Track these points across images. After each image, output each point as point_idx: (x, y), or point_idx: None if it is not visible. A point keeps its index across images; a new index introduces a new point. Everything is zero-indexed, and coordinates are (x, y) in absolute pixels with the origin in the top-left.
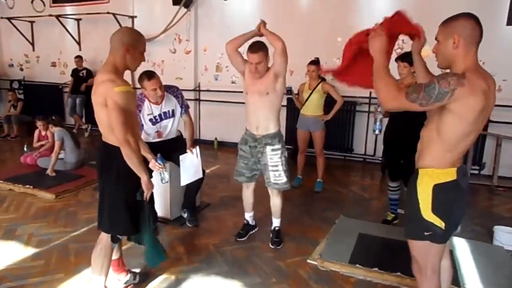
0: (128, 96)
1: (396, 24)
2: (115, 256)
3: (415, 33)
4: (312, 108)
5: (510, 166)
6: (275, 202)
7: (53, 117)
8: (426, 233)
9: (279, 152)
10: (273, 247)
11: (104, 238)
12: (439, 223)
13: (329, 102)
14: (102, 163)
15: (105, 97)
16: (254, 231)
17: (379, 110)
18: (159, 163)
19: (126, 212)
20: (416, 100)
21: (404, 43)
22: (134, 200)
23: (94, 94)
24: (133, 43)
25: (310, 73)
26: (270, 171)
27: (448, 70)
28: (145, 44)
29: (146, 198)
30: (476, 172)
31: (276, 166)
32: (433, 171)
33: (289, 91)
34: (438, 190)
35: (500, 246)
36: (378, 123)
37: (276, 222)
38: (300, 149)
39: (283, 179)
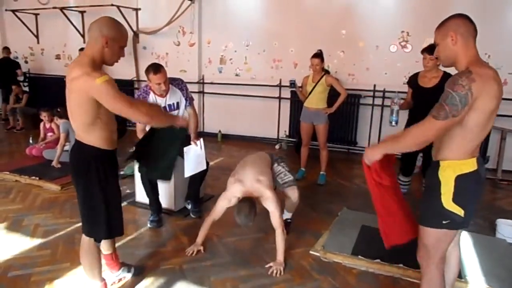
0: (112, 82)
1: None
2: (108, 251)
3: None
4: (315, 101)
5: None
6: (292, 199)
7: (58, 109)
8: (444, 222)
9: (277, 164)
10: None
11: (86, 239)
12: (459, 211)
13: (332, 95)
14: (79, 165)
15: (86, 92)
16: None
17: (395, 101)
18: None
19: (107, 215)
20: (448, 116)
21: (409, 36)
22: (115, 200)
23: (69, 91)
24: (113, 36)
25: (314, 66)
26: (277, 178)
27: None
28: (127, 38)
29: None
30: None
31: (280, 172)
32: (455, 162)
33: (292, 84)
34: (461, 180)
35: (502, 239)
36: (394, 115)
37: (287, 215)
38: (304, 142)
39: (290, 177)
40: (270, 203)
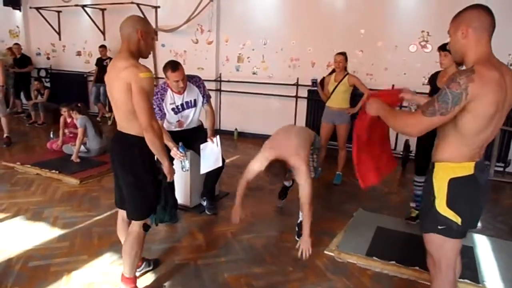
0: (152, 82)
1: (381, 96)
2: None
3: (397, 96)
4: (337, 100)
5: None
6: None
7: (78, 105)
8: (439, 227)
9: (312, 152)
10: (299, 239)
11: (136, 229)
12: (455, 217)
13: (354, 95)
14: (125, 156)
15: (129, 82)
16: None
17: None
18: (180, 152)
19: (156, 194)
20: (436, 113)
21: (429, 36)
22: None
23: (117, 80)
24: (146, 29)
25: (337, 63)
26: None
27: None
28: (154, 30)
29: (168, 180)
30: (501, 169)
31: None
32: (448, 165)
33: (314, 83)
34: (454, 184)
35: None
36: None
37: (302, 216)
38: (321, 142)
39: (312, 174)
40: (302, 175)
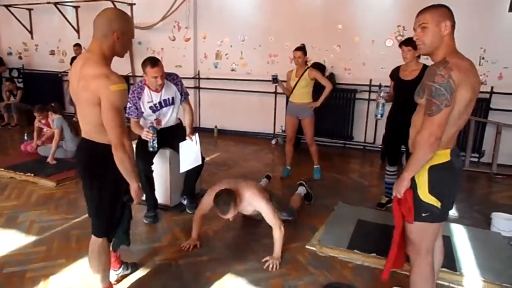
0: (124, 94)
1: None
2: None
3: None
4: (300, 95)
5: (510, 154)
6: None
7: (52, 104)
8: (424, 214)
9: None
10: None
11: (99, 241)
12: (436, 202)
13: (319, 89)
14: (94, 166)
15: (98, 95)
16: None
17: (381, 95)
18: (151, 131)
19: (122, 210)
20: (441, 108)
21: (405, 30)
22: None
23: (84, 90)
24: (123, 29)
25: (296, 59)
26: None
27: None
28: (134, 29)
29: (134, 203)
30: (476, 159)
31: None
32: None
33: (275, 79)
34: (434, 171)
35: (497, 232)
36: (380, 108)
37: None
38: (288, 137)
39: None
40: (266, 215)
